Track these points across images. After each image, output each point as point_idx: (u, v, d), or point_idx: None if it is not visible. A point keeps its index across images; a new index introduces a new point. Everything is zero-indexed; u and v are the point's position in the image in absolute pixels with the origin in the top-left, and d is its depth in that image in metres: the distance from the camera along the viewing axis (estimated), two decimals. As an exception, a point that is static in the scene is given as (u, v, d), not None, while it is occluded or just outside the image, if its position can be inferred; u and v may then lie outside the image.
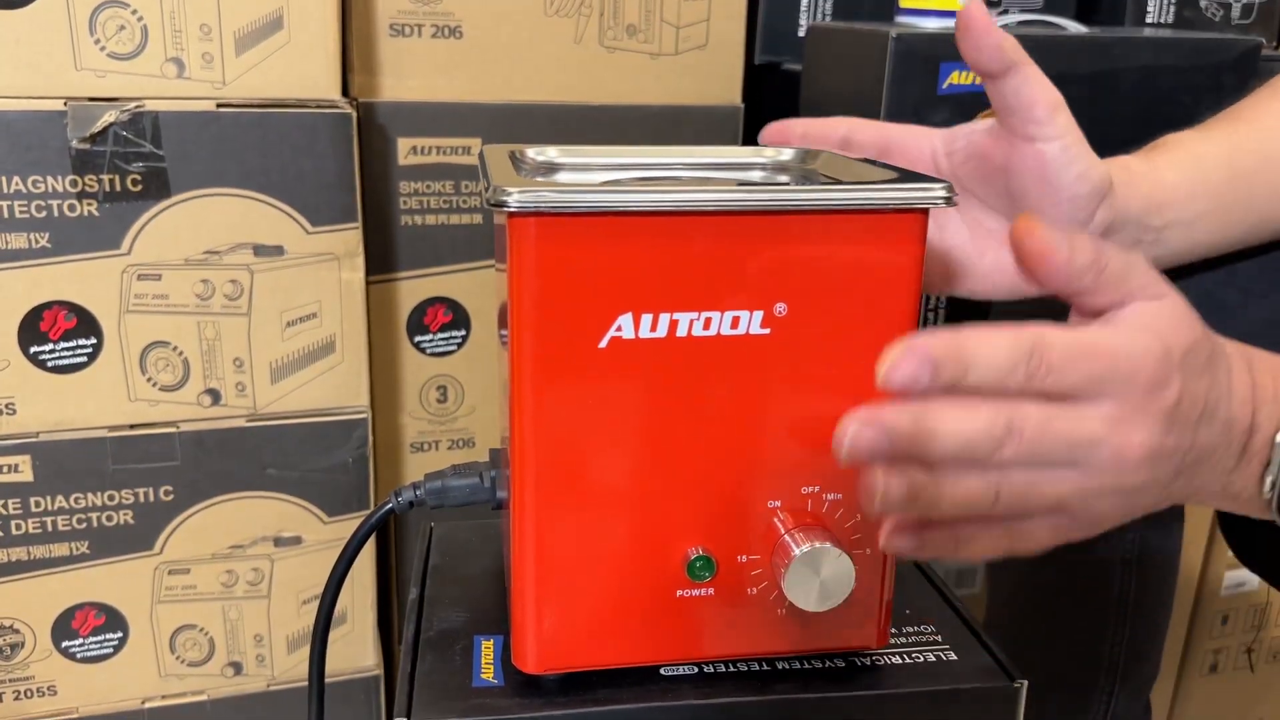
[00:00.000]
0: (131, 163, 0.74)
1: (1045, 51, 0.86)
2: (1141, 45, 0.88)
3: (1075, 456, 0.42)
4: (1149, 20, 1.01)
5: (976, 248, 0.57)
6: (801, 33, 1.01)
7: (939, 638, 0.56)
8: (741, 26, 0.93)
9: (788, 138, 0.59)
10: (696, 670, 0.52)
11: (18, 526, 0.78)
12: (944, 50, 0.82)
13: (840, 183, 0.51)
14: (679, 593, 0.49)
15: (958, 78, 0.82)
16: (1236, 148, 0.59)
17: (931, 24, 0.85)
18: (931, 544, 0.44)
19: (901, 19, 0.88)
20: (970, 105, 0.82)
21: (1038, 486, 0.42)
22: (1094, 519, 0.45)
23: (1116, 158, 0.57)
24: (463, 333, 0.92)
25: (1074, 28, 0.92)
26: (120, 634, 0.83)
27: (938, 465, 0.41)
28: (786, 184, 0.56)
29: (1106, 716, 0.89)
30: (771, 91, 1.01)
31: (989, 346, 0.40)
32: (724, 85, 0.93)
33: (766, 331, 0.46)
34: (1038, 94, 0.51)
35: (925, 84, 0.81)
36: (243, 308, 0.79)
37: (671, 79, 0.91)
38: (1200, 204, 0.57)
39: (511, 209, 0.42)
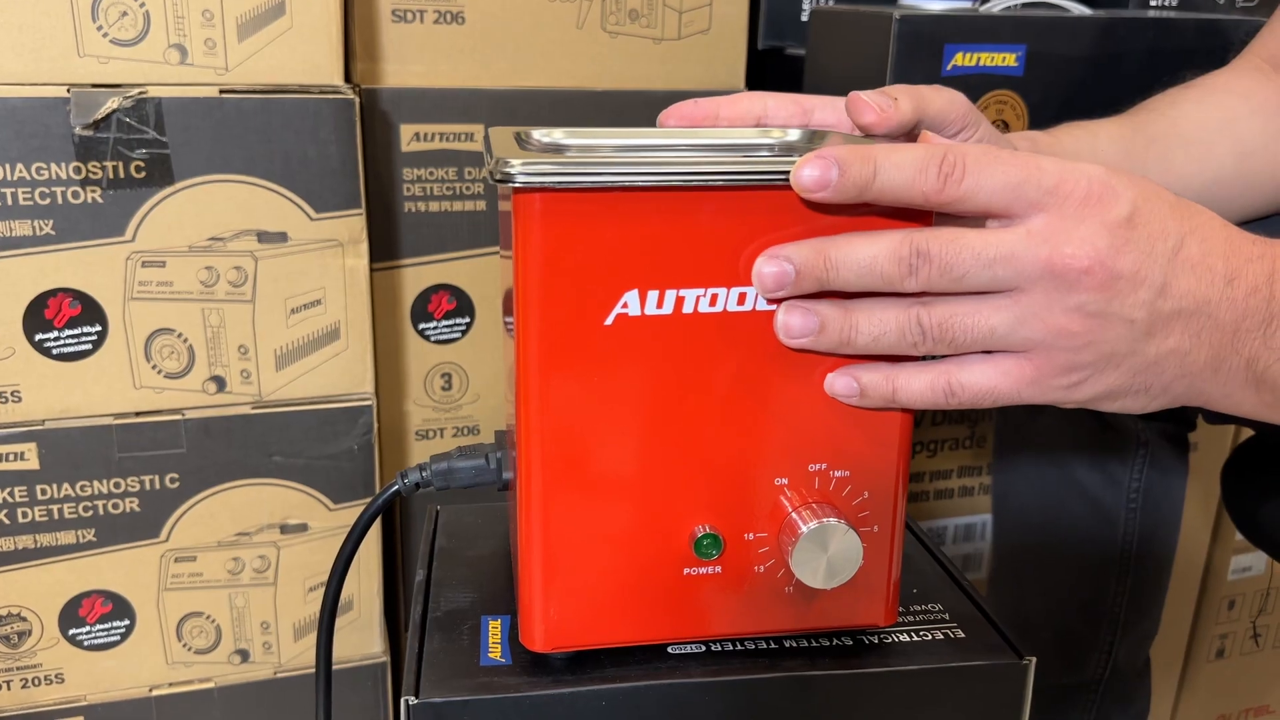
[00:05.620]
0: (135, 149, 0.74)
1: (1049, 32, 0.86)
2: (1146, 26, 0.88)
3: (996, 275, 0.40)
4: (1153, 2, 1.01)
5: None
6: (804, 17, 1.01)
7: (946, 616, 0.56)
8: (744, 11, 0.92)
9: (693, 118, 0.55)
10: (704, 648, 0.52)
11: (24, 514, 0.78)
12: (948, 32, 0.82)
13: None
14: (686, 571, 0.49)
15: (962, 59, 0.82)
16: (1137, 129, 0.62)
17: (935, 6, 0.85)
18: (869, 387, 0.44)
19: (905, 1, 0.87)
20: (975, 86, 0.82)
21: (961, 316, 0.41)
22: (1054, 366, 0.41)
23: (1024, 131, 0.59)
24: (467, 320, 0.92)
25: (1078, 9, 0.92)
26: (127, 622, 0.83)
27: (852, 300, 0.42)
28: (792, 160, 0.56)
29: (1106, 670, 0.89)
30: (775, 76, 1.01)
31: (900, 150, 0.40)
32: (727, 70, 0.93)
33: (773, 308, 0.46)
34: (941, 105, 0.51)
35: (929, 66, 0.81)
36: (247, 294, 0.79)
37: (674, 64, 0.91)
38: None
39: (517, 183, 0.42)
